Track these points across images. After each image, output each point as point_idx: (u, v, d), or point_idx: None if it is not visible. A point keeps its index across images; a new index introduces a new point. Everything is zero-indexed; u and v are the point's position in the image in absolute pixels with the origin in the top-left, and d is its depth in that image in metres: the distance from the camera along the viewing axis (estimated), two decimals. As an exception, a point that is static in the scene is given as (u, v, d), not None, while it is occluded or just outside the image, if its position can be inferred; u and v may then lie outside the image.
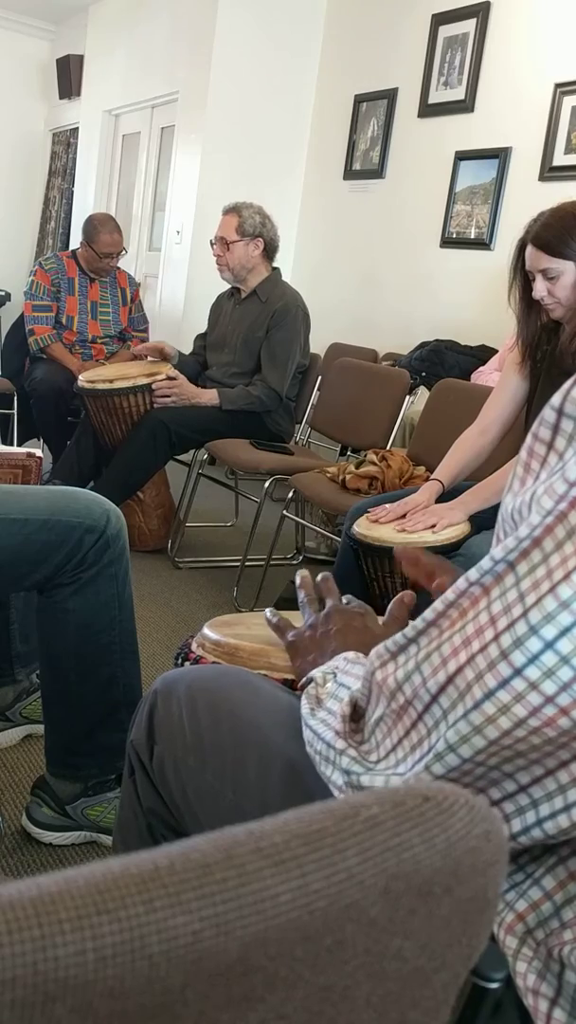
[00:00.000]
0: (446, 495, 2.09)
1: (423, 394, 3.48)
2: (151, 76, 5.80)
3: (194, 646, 1.17)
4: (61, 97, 7.29)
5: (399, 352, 4.14)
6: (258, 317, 3.26)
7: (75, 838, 1.55)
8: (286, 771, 0.80)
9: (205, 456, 3.22)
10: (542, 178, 3.76)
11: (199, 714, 0.89)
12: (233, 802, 0.83)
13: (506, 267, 2.01)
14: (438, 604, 0.60)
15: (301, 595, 1.02)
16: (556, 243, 1.86)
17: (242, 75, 5.03)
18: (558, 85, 3.66)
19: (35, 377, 3.71)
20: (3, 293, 6.55)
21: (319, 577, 1.03)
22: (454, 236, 4.24)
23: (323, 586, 1.01)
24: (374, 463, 2.64)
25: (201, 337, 3.58)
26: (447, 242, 4.28)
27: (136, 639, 1.54)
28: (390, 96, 4.63)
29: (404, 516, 2.03)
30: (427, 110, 4.41)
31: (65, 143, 7.37)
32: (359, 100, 4.87)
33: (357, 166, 4.92)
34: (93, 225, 3.80)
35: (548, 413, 0.58)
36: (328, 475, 2.76)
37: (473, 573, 0.58)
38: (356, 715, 0.68)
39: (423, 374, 3.66)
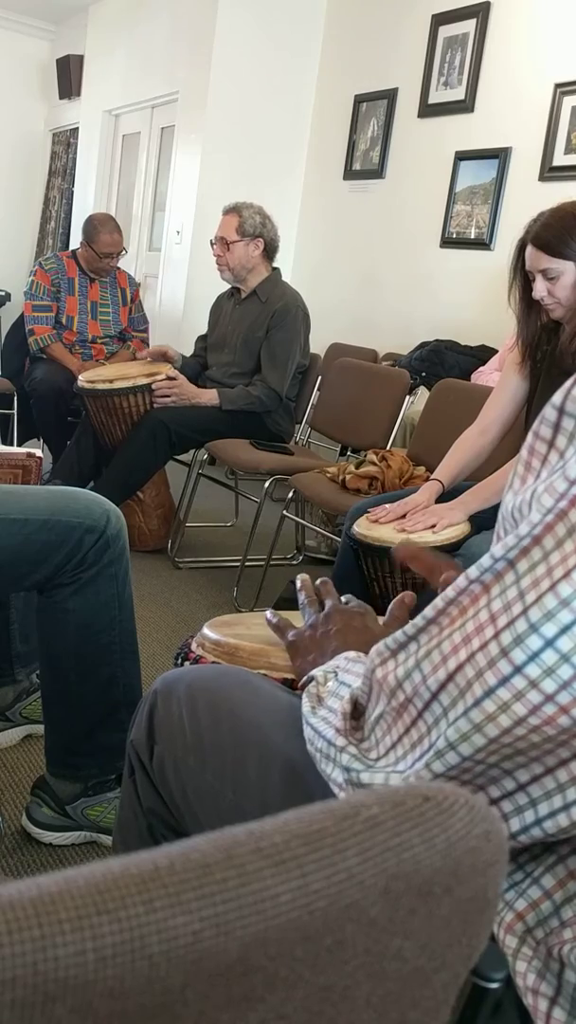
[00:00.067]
0: (446, 495, 2.09)
1: (423, 394, 3.48)
2: (151, 76, 5.80)
3: (194, 646, 1.17)
4: (61, 97, 7.29)
5: (399, 352, 4.14)
6: (258, 317, 3.26)
7: (75, 838, 1.55)
8: (286, 771, 0.80)
9: (205, 456, 3.22)
10: (542, 178, 3.76)
11: (199, 714, 0.89)
12: (233, 802, 0.83)
13: (506, 267, 2.01)
14: (438, 602, 0.60)
15: (301, 597, 1.02)
16: (556, 243, 1.86)
17: (242, 75, 5.03)
18: (558, 85, 3.66)
19: (35, 377, 3.71)
20: (3, 293, 6.55)
21: (319, 581, 1.03)
22: (454, 236, 4.24)
23: (323, 588, 1.01)
24: (374, 463, 2.64)
25: (202, 338, 3.58)
26: (447, 242, 4.28)
27: (136, 639, 1.54)
28: (390, 96, 4.63)
29: (404, 516, 2.03)
30: (427, 110, 4.41)
31: (65, 143, 7.37)
32: (359, 100, 4.88)
33: (357, 166, 4.92)
34: (93, 225, 3.80)
35: (549, 412, 0.59)
36: (328, 475, 2.76)
37: (473, 571, 0.58)
38: (357, 713, 0.68)
39: (423, 374, 3.66)
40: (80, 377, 3.20)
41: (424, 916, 0.39)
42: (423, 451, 2.71)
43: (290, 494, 2.92)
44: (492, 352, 3.67)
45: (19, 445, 3.83)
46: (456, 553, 1.91)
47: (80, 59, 6.88)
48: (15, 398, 3.96)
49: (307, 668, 0.89)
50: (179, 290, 5.38)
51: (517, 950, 0.60)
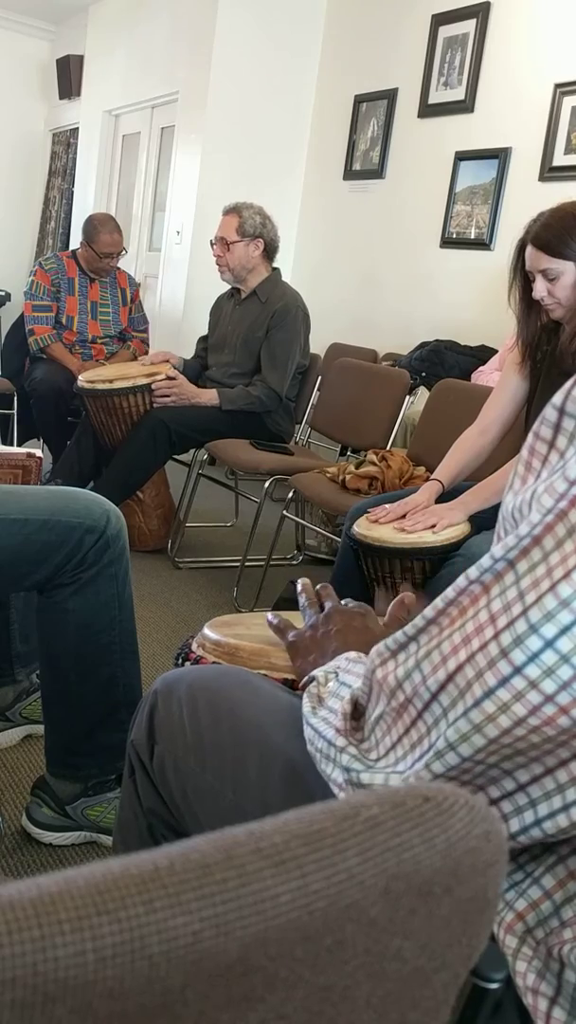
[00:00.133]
0: (446, 495, 2.09)
1: (423, 394, 3.48)
2: (151, 76, 5.80)
3: (194, 646, 1.17)
4: (61, 97, 7.29)
5: (399, 352, 4.14)
6: (258, 317, 3.26)
7: (75, 838, 1.55)
8: (286, 771, 0.80)
9: (205, 456, 3.22)
10: (542, 178, 3.76)
11: (199, 714, 0.89)
12: (233, 802, 0.83)
13: (506, 267, 2.01)
14: (438, 602, 0.60)
15: (302, 599, 1.02)
16: (556, 243, 1.86)
17: (242, 75, 5.03)
18: (558, 85, 3.66)
19: (35, 377, 3.71)
20: (3, 293, 6.55)
21: (319, 585, 1.04)
22: (454, 236, 4.24)
23: (323, 592, 1.02)
24: (374, 463, 2.64)
25: (203, 339, 3.58)
26: (447, 242, 4.28)
27: (136, 639, 1.54)
28: (390, 96, 4.63)
29: (404, 516, 2.03)
30: (427, 110, 4.41)
31: (65, 143, 7.37)
32: (359, 100, 4.88)
33: (357, 166, 4.92)
34: (93, 225, 3.80)
35: (550, 412, 0.59)
36: (328, 475, 2.77)
37: (473, 571, 0.58)
38: (357, 713, 0.68)
39: (423, 374, 3.66)
40: (80, 377, 3.20)
41: (424, 916, 0.39)
42: (423, 451, 2.71)
43: (290, 494, 2.92)
44: (492, 352, 3.67)
45: (19, 445, 3.83)
46: (456, 553, 1.91)
47: (80, 59, 6.89)
48: (15, 398, 3.96)
49: (307, 668, 0.89)
50: (179, 290, 5.38)
51: (517, 950, 0.60)
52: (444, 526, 1.95)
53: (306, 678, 0.82)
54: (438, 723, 0.58)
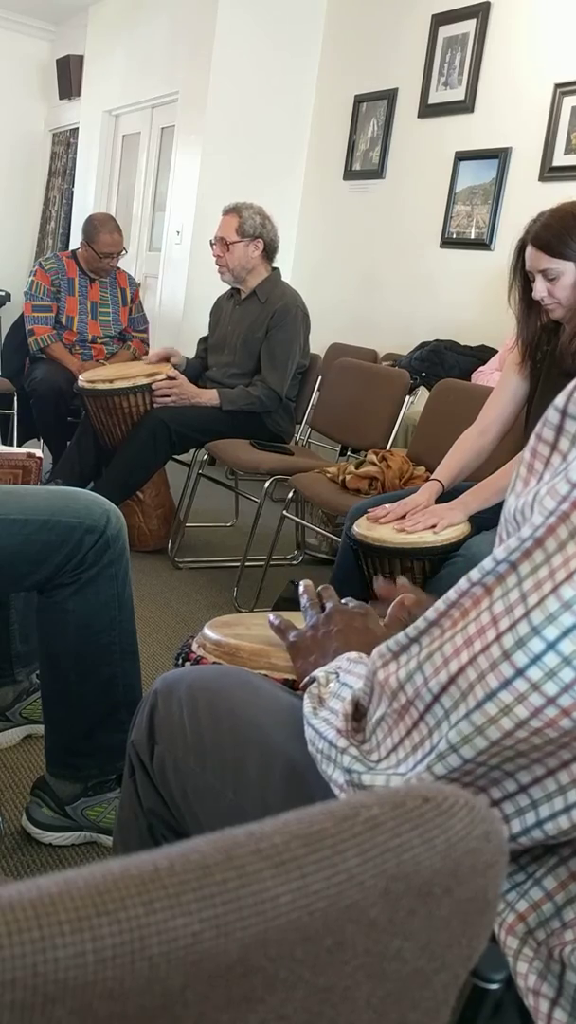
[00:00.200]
0: (446, 495, 2.09)
1: (423, 394, 3.48)
2: (151, 76, 5.80)
3: (194, 646, 1.17)
4: (61, 97, 7.29)
5: (399, 352, 4.14)
6: (258, 317, 3.26)
7: (75, 838, 1.55)
8: (287, 771, 0.80)
9: (205, 456, 3.22)
10: (542, 178, 3.76)
11: (199, 714, 0.89)
12: (233, 802, 0.83)
13: (506, 267, 2.01)
14: (440, 604, 0.60)
15: (304, 600, 1.02)
16: (556, 243, 1.86)
17: (242, 75, 5.03)
18: (558, 85, 3.66)
19: (35, 377, 3.71)
20: (3, 293, 6.55)
21: (320, 587, 1.04)
22: (454, 236, 4.24)
23: (324, 593, 1.02)
24: (374, 463, 2.64)
25: (204, 340, 3.58)
26: (447, 242, 4.28)
27: (136, 639, 1.54)
28: (390, 96, 4.63)
29: (404, 516, 2.03)
30: (427, 110, 4.41)
31: (65, 143, 7.37)
32: (359, 100, 4.88)
33: (357, 166, 4.92)
34: (93, 225, 3.80)
35: (552, 414, 0.59)
36: (328, 475, 2.76)
37: (475, 573, 0.58)
38: (358, 714, 0.68)
39: (423, 374, 3.66)
40: (80, 377, 3.20)
41: (424, 917, 0.39)
42: (423, 451, 2.71)
43: (290, 494, 2.92)
44: (492, 352, 3.67)
45: (19, 445, 3.83)
46: (456, 553, 1.91)
47: (80, 59, 6.89)
48: (15, 398, 3.96)
49: (308, 669, 0.89)
50: (179, 290, 5.38)
51: (518, 951, 0.60)
52: (444, 526, 1.95)
53: (307, 678, 0.82)
54: (440, 725, 0.58)
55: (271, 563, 2.96)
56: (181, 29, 5.39)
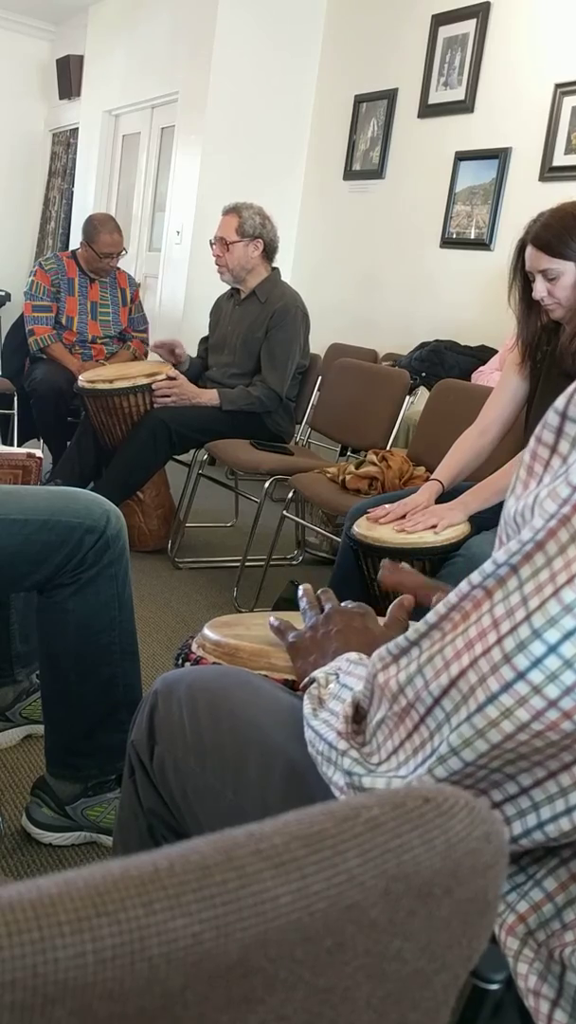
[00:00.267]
0: (446, 495, 2.09)
1: (423, 394, 3.48)
2: (151, 76, 5.80)
3: (194, 647, 1.17)
4: (61, 97, 7.29)
5: (399, 352, 4.14)
6: (257, 317, 3.26)
7: (75, 839, 1.55)
8: (286, 771, 0.80)
9: (205, 456, 3.22)
10: (542, 178, 3.76)
11: (199, 714, 0.89)
12: (233, 802, 0.83)
13: (506, 267, 2.01)
14: (440, 607, 0.60)
15: (303, 603, 1.02)
16: (556, 243, 1.86)
17: (242, 75, 5.03)
18: (558, 85, 3.66)
19: (35, 377, 3.71)
20: (3, 293, 6.55)
21: (320, 591, 1.04)
22: (454, 236, 4.24)
23: (323, 596, 1.02)
24: (374, 463, 2.64)
25: (205, 340, 3.58)
26: (447, 242, 4.28)
27: (136, 639, 1.54)
28: (390, 96, 4.63)
29: (404, 516, 2.03)
30: (427, 110, 4.41)
31: (65, 143, 7.37)
32: (359, 100, 4.88)
33: (357, 166, 4.92)
34: (93, 225, 3.80)
35: (551, 416, 0.59)
36: (328, 475, 2.76)
37: (475, 576, 0.58)
38: (358, 716, 0.68)
39: (423, 374, 3.66)
40: (80, 377, 3.20)
41: (424, 918, 0.39)
42: (423, 451, 2.71)
43: (290, 494, 2.92)
44: (492, 352, 3.67)
45: (19, 445, 3.83)
46: (456, 553, 1.91)
47: (80, 59, 6.89)
48: (15, 398, 3.96)
49: (308, 669, 0.89)
50: (179, 290, 5.38)
51: (519, 952, 0.60)
52: (445, 526, 1.95)
53: (306, 679, 0.82)
54: (441, 728, 0.57)
55: (271, 563, 2.96)
56: (181, 29, 5.39)
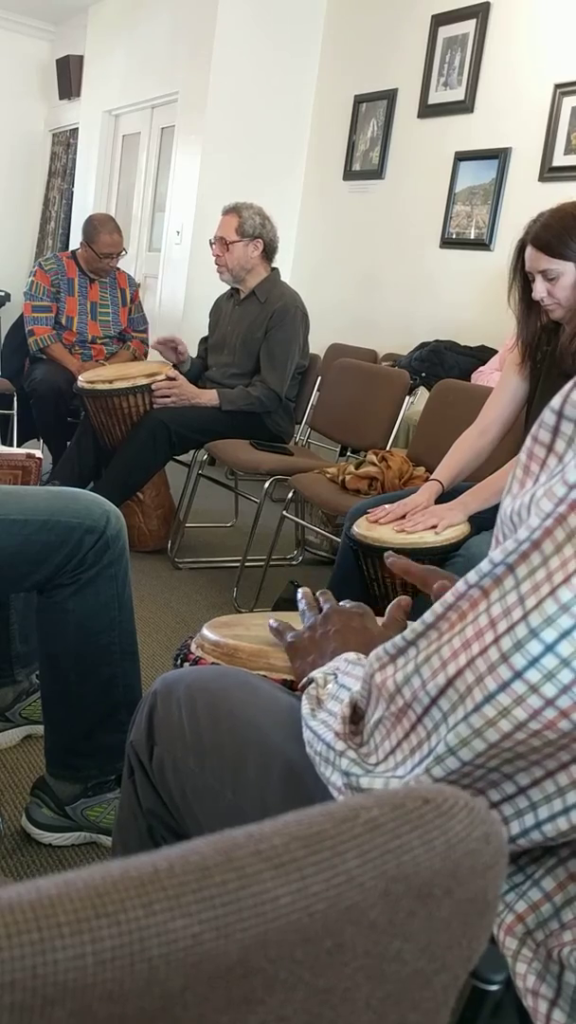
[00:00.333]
0: (445, 495, 2.09)
1: (423, 394, 3.48)
2: (151, 76, 5.80)
3: (193, 647, 1.17)
4: (61, 97, 7.29)
5: (399, 352, 4.14)
6: (257, 317, 3.26)
7: (75, 839, 1.55)
8: (285, 771, 0.80)
9: (205, 456, 3.22)
10: (542, 178, 3.76)
11: (198, 715, 0.89)
12: (232, 802, 0.83)
13: (506, 267, 2.01)
14: (437, 607, 0.60)
15: (302, 604, 1.02)
16: (556, 244, 1.86)
17: (242, 75, 5.03)
18: (558, 85, 3.66)
19: (35, 378, 3.71)
20: (3, 293, 6.55)
21: (318, 592, 1.04)
22: (454, 236, 4.24)
23: (322, 598, 1.02)
24: (374, 463, 2.64)
25: (205, 340, 3.58)
26: (447, 242, 4.28)
27: (136, 640, 1.54)
28: (390, 96, 4.63)
29: (404, 517, 2.03)
30: (427, 110, 4.41)
31: (65, 143, 7.37)
32: (359, 100, 4.88)
33: (357, 167, 4.92)
34: (93, 225, 3.80)
35: (548, 416, 0.59)
36: (328, 476, 2.76)
37: (472, 576, 0.58)
38: (356, 717, 0.68)
39: (423, 374, 3.66)
40: (80, 377, 3.20)
41: (424, 918, 0.39)
42: (423, 451, 2.71)
43: (290, 494, 2.92)
44: (492, 352, 3.67)
45: (19, 446, 3.83)
46: (456, 553, 1.91)
47: (80, 59, 6.89)
48: (15, 398, 3.96)
49: (306, 669, 0.89)
50: (179, 290, 5.38)
51: (517, 952, 0.60)
52: (445, 526, 1.95)
53: (305, 679, 0.82)
54: (438, 728, 0.58)
55: (271, 563, 2.96)
56: (181, 29, 5.39)
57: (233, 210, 3.27)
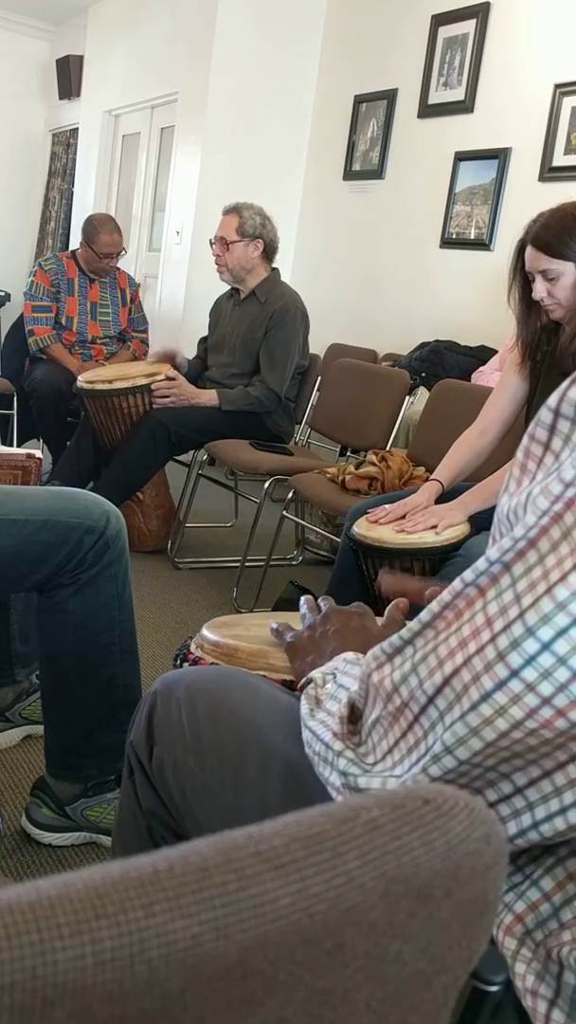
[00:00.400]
0: (445, 495, 2.09)
1: (423, 394, 3.49)
2: (151, 76, 5.80)
3: (193, 647, 1.17)
4: (61, 97, 7.29)
5: (399, 352, 4.14)
6: (257, 318, 3.26)
7: (75, 839, 1.55)
8: (285, 772, 0.80)
9: (205, 456, 3.22)
10: (542, 178, 3.76)
11: (198, 715, 0.88)
12: (232, 803, 0.83)
13: (506, 267, 2.01)
14: (434, 605, 0.60)
15: (303, 608, 1.03)
16: (556, 244, 1.86)
17: (242, 75, 5.03)
18: (558, 85, 3.66)
19: (35, 378, 3.71)
20: (3, 293, 6.55)
21: (320, 598, 1.04)
22: (454, 236, 4.24)
23: (323, 602, 1.02)
24: (374, 463, 2.64)
25: (204, 340, 3.58)
26: (447, 242, 4.28)
27: (136, 640, 1.54)
28: (390, 96, 4.63)
29: (404, 517, 2.03)
30: (427, 110, 4.41)
31: (65, 143, 7.37)
32: (359, 100, 4.88)
33: (357, 167, 4.92)
34: (93, 225, 3.80)
35: (544, 414, 0.59)
36: (328, 476, 2.76)
37: (468, 574, 0.58)
38: (354, 716, 0.68)
39: (423, 374, 3.66)
40: (79, 377, 3.20)
41: (424, 919, 0.39)
42: (423, 451, 2.71)
43: (290, 494, 2.92)
44: (492, 352, 3.67)
45: (19, 446, 3.83)
46: (456, 554, 1.91)
47: (80, 59, 6.88)
48: (15, 398, 3.96)
49: (306, 669, 0.89)
50: (179, 290, 5.38)
51: (516, 952, 0.60)
52: (445, 526, 1.95)
53: (304, 679, 0.82)
54: (435, 727, 0.57)
55: (271, 563, 2.96)
56: (181, 29, 5.38)
57: (234, 210, 3.27)
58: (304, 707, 0.74)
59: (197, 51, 5.14)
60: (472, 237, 4.13)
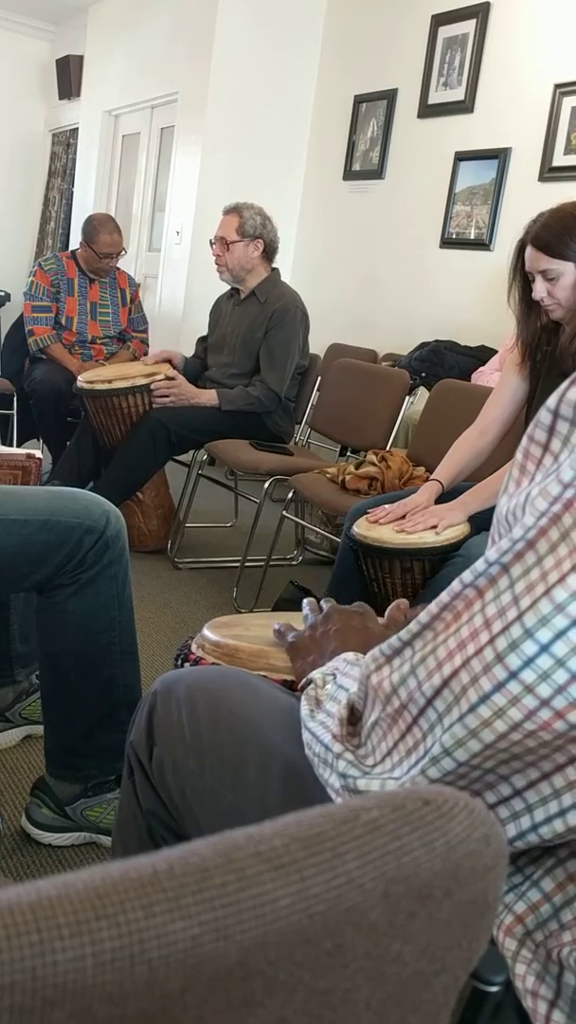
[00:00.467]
0: (445, 495, 2.09)
1: (423, 394, 3.49)
2: (151, 76, 5.80)
3: (193, 647, 1.17)
4: (61, 97, 7.29)
5: (399, 352, 4.14)
6: (257, 318, 3.26)
7: (75, 839, 1.55)
8: (285, 772, 0.80)
9: (205, 456, 3.22)
10: (542, 178, 3.76)
11: (198, 715, 0.88)
12: (232, 803, 0.83)
13: (506, 267, 2.01)
14: (432, 607, 0.60)
15: (305, 609, 1.03)
16: (556, 244, 1.86)
17: (242, 75, 5.03)
18: (558, 85, 3.66)
19: (35, 378, 3.71)
20: (3, 293, 6.55)
21: (322, 600, 1.04)
22: (454, 236, 4.24)
23: (326, 604, 1.02)
24: (374, 463, 2.64)
25: (203, 340, 3.58)
26: (447, 242, 4.28)
27: (136, 640, 1.54)
28: (390, 96, 4.63)
29: (404, 517, 2.03)
30: (427, 110, 4.41)
31: (65, 143, 7.37)
32: (359, 100, 4.88)
33: (357, 167, 4.92)
34: (93, 225, 3.80)
35: (544, 415, 0.59)
36: (328, 476, 2.76)
37: (467, 575, 0.58)
38: (353, 718, 0.68)
39: (423, 374, 3.66)
40: (79, 377, 3.20)
41: (424, 920, 0.39)
42: (423, 451, 2.71)
43: (290, 494, 2.92)
44: (492, 352, 3.67)
45: (19, 446, 3.83)
46: (456, 554, 1.91)
47: (80, 59, 6.88)
48: (15, 398, 3.96)
49: (307, 669, 0.89)
50: (179, 290, 5.38)
51: (516, 953, 0.60)
52: (445, 527, 1.95)
53: (304, 680, 0.82)
54: (433, 729, 0.57)
55: (271, 563, 2.96)
56: (181, 29, 5.38)
57: (234, 210, 3.27)
58: (304, 708, 0.74)
59: (197, 51, 5.14)
60: (472, 237, 4.13)
